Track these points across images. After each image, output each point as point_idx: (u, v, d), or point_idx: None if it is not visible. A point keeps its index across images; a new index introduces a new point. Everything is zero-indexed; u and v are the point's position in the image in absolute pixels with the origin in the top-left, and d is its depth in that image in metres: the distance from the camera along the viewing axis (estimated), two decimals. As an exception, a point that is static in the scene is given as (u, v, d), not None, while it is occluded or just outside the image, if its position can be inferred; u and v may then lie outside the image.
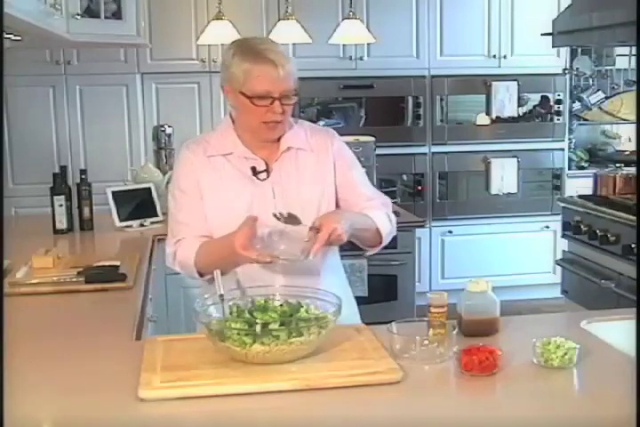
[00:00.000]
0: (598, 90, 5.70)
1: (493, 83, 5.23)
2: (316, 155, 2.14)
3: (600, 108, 5.78)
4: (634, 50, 5.22)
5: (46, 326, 2.08)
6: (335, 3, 4.99)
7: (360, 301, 2.31)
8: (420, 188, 5.22)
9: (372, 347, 1.73)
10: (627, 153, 5.57)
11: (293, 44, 4.82)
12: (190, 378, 1.57)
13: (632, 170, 3.89)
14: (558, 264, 4.26)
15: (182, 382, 1.55)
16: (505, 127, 5.31)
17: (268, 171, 2.10)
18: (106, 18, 3.80)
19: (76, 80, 4.94)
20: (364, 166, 2.38)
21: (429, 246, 5.28)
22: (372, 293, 3.84)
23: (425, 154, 5.23)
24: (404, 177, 5.20)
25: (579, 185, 5.03)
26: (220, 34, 4.09)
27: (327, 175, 2.14)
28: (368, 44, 4.93)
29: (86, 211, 3.55)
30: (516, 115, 5.32)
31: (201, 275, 2.10)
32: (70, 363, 1.75)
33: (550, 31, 4.04)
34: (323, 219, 1.94)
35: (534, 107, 5.38)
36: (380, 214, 2.14)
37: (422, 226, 4.33)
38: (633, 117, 5.64)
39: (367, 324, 1.95)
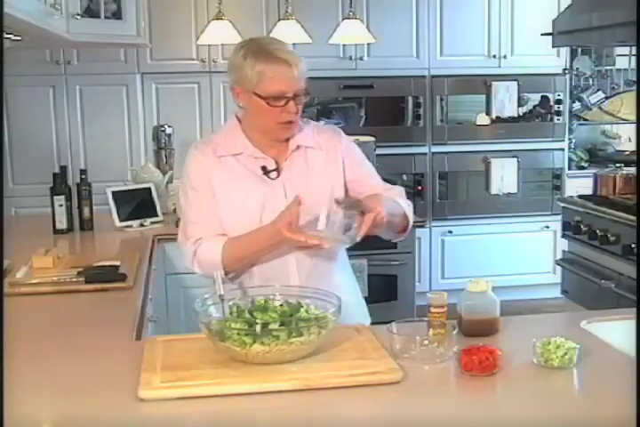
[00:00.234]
0: (598, 90, 5.70)
1: (493, 83, 5.23)
2: (324, 153, 2.15)
3: (600, 108, 5.78)
4: (634, 50, 5.22)
5: (46, 326, 2.08)
6: (335, 3, 4.99)
7: (360, 301, 2.32)
8: (419, 188, 5.22)
9: (372, 347, 1.73)
10: (627, 153, 5.57)
11: (293, 44, 4.82)
12: (190, 378, 1.57)
13: (632, 170, 3.89)
14: (558, 264, 4.26)
15: (182, 382, 1.55)
16: (505, 127, 5.31)
17: (278, 170, 2.10)
18: (106, 18, 3.79)
19: (76, 80, 4.94)
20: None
21: (429, 246, 5.28)
22: (371, 293, 3.84)
23: (425, 154, 5.23)
24: (404, 177, 5.20)
25: (579, 185, 5.03)
26: (220, 34, 4.09)
27: (336, 173, 2.15)
28: (368, 44, 4.93)
29: (86, 211, 3.55)
30: (515, 115, 5.32)
31: (225, 273, 2.07)
32: (70, 363, 1.75)
33: (550, 31, 4.04)
34: (367, 202, 1.94)
35: (534, 107, 5.38)
36: (405, 201, 2.17)
37: (422, 226, 4.33)
38: (633, 117, 5.64)
39: (367, 324, 1.96)
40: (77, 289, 2.44)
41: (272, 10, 4.92)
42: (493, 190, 5.26)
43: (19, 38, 2.94)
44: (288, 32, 4.10)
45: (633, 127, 5.71)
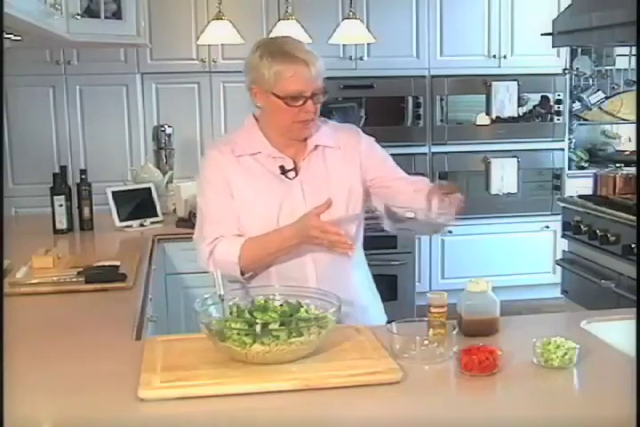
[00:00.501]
0: (598, 90, 5.70)
1: (493, 83, 5.23)
2: (342, 152, 2.15)
3: (600, 108, 5.78)
4: (634, 50, 5.22)
5: (46, 326, 2.08)
6: (335, 3, 4.99)
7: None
8: (420, 188, 5.21)
9: (372, 347, 1.73)
10: (627, 153, 5.57)
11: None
12: (190, 378, 1.57)
13: (632, 170, 3.89)
14: (558, 264, 4.26)
15: (182, 382, 1.55)
16: (505, 127, 5.31)
17: (296, 169, 2.10)
18: (106, 18, 3.79)
19: (76, 80, 4.94)
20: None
21: (429, 246, 5.28)
22: (372, 293, 3.83)
23: (425, 154, 5.23)
24: (404, 177, 5.19)
25: (579, 185, 5.02)
26: (220, 34, 4.09)
27: (354, 172, 2.15)
28: (368, 44, 4.93)
29: (86, 211, 3.56)
30: (515, 115, 5.32)
31: (241, 273, 2.08)
32: (70, 363, 1.75)
33: (550, 31, 4.04)
34: (445, 188, 1.96)
35: (534, 107, 5.38)
36: None
37: (422, 226, 4.32)
38: (633, 117, 5.63)
39: (367, 324, 1.96)
40: (77, 289, 2.44)
41: (272, 10, 4.92)
42: (493, 190, 5.26)
43: (19, 38, 2.94)
44: (288, 32, 4.09)
45: (633, 127, 5.71)
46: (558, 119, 5.38)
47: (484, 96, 5.27)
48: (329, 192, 2.08)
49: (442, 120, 5.27)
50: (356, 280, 2.17)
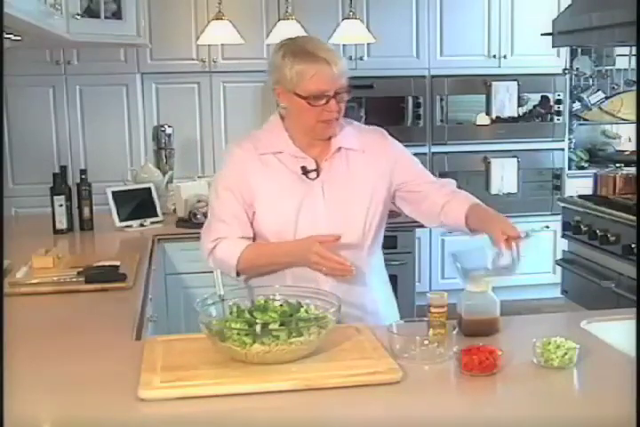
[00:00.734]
0: (598, 90, 5.70)
1: (493, 83, 5.23)
2: (367, 155, 2.13)
3: (600, 108, 5.78)
4: (634, 50, 5.22)
5: (46, 326, 2.08)
6: (335, 3, 4.99)
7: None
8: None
9: (372, 347, 1.73)
10: (627, 153, 5.57)
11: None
12: (190, 378, 1.57)
13: (632, 170, 3.88)
14: (558, 264, 4.26)
15: (182, 382, 1.55)
16: (505, 127, 5.31)
17: (317, 170, 2.09)
18: (106, 18, 3.79)
19: (76, 80, 4.94)
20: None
21: (429, 246, 5.28)
22: (372, 293, 3.83)
23: (425, 154, 5.22)
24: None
25: (579, 185, 5.02)
26: (220, 34, 4.09)
27: (378, 176, 2.13)
28: (368, 44, 4.93)
29: (86, 211, 3.55)
30: (516, 115, 5.32)
31: (237, 274, 2.12)
32: (70, 363, 1.75)
33: (550, 31, 4.03)
34: (505, 229, 1.94)
35: (534, 107, 5.38)
36: (472, 197, 2.19)
37: (422, 226, 4.32)
38: (633, 117, 5.63)
39: (367, 324, 1.95)
40: (77, 289, 2.44)
41: (272, 10, 4.92)
42: (493, 190, 5.27)
43: (19, 38, 2.94)
44: (288, 32, 4.09)
45: (633, 127, 5.71)
46: (558, 119, 5.38)
47: (484, 96, 5.27)
48: (349, 195, 2.08)
49: (442, 120, 5.27)
50: (371, 284, 2.17)
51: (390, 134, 2.25)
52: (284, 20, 4.16)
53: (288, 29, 4.09)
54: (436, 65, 5.23)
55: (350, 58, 5.10)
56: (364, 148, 2.14)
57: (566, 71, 5.39)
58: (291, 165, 2.09)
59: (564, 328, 1.96)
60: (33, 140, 4.93)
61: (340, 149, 2.11)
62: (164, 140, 4.40)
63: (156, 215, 3.73)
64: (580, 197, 4.01)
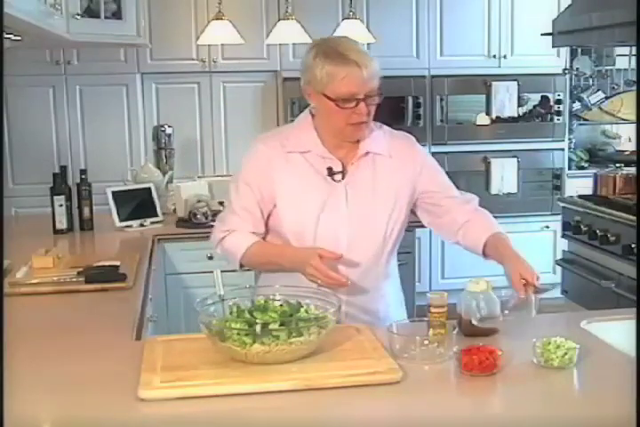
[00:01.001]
0: (598, 90, 5.70)
1: (493, 83, 5.23)
2: (394, 161, 2.12)
3: (600, 108, 5.78)
4: (634, 50, 5.22)
5: (46, 326, 2.08)
6: (335, 3, 4.99)
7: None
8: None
9: (372, 347, 1.73)
10: (627, 153, 5.57)
11: (293, 44, 4.82)
12: (190, 378, 1.57)
13: (632, 170, 3.88)
14: (558, 264, 4.26)
15: (182, 382, 1.55)
16: (505, 127, 5.31)
17: (343, 172, 2.08)
18: (106, 18, 3.79)
19: (76, 80, 4.94)
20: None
21: (429, 246, 5.28)
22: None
23: (425, 154, 5.22)
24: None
25: (579, 185, 5.02)
26: (220, 34, 4.09)
27: (403, 183, 2.13)
28: (368, 44, 4.91)
29: (86, 211, 3.55)
30: (516, 115, 5.32)
31: (241, 266, 2.16)
32: (70, 363, 1.75)
33: (550, 31, 4.03)
34: (523, 273, 1.91)
35: (534, 107, 5.38)
36: (493, 222, 2.17)
37: (422, 226, 4.32)
38: (633, 117, 5.63)
39: (367, 324, 1.95)
40: (77, 289, 2.44)
41: (272, 10, 4.92)
42: (493, 190, 5.27)
43: (19, 38, 2.94)
44: (288, 32, 4.10)
45: (633, 127, 5.71)
46: (558, 119, 5.38)
47: (484, 96, 5.27)
48: (373, 200, 2.08)
49: (442, 120, 5.27)
50: (386, 290, 2.18)
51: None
52: (283, 20, 4.16)
53: (288, 29, 4.10)
54: (436, 65, 5.23)
55: (350, 58, 5.09)
56: (391, 153, 2.12)
57: (566, 71, 5.38)
58: (317, 165, 2.08)
59: (563, 328, 1.96)
60: (33, 140, 4.93)
61: (367, 153, 2.10)
62: (163, 140, 4.39)
63: (156, 215, 3.73)
64: (580, 197, 4.01)
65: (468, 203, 2.20)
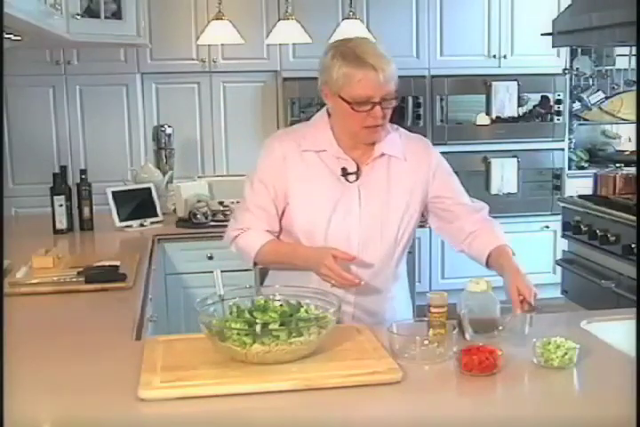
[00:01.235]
0: (598, 90, 5.70)
1: (493, 83, 5.23)
2: (408, 164, 2.12)
3: (600, 108, 5.78)
4: (634, 50, 5.21)
5: (46, 326, 2.08)
6: (335, 3, 4.99)
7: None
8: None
9: (372, 347, 1.73)
10: (627, 153, 5.57)
11: (293, 44, 4.83)
12: (190, 378, 1.57)
13: (632, 170, 3.88)
14: (558, 264, 4.26)
15: (182, 382, 1.55)
16: (505, 127, 5.31)
17: (357, 173, 2.08)
18: (106, 18, 3.79)
19: (76, 80, 4.95)
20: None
21: (429, 246, 5.28)
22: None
23: (425, 154, 5.22)
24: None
25: (579, 185, 5.02)
26: (220, 34, 4.09)
27: (417, 186, 2.12)
28: (368, 44, 4.92)
29: (86, 211, 3.55)
30: (516, 115, 5.32)
31: (255, 264, 2.17)
32: (70, 363, 1.75)
33: (550, 31, 4.04)
34: (521, 288, 1.89)
35: (534, 107, 5.38)
36: (500, 234, 2.15)
37: (422, 226, 4.31)
38: (633, 117, 5.63)
39: (367, 324, 1.95)
40: (77, 289, 2.44)
41: (272, 10, 4.92)
42: (493, 190, 5.27)
43: (19, 38, 2.94)
44: (288, 32, 4.10)
45: (633, 127, 5.71)
46: (558, 119, 5.38)
47: (484, 96, 5.27)
48: (386, 202, 2.08)
49: (442, 120, 5.27)
50: (395, 292, 2.18)
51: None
52: (283, 20, 4.16)
53: (288, 29, 4.10)
54: (436, 65, 5.23)
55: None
56: (406, 155, 2.12)
57: (566, 71, 5.38)
58: (331, 165, 2.08)
59: (563, 328, 1.96)
60: (33, 140, 4.93)
61: (382, 154, 2.09)
62: (163, 140, 4.39)
63: (156, 215, 3.73)
64: (580, 197, 4.01)
65: (478, 212, 2.19)
